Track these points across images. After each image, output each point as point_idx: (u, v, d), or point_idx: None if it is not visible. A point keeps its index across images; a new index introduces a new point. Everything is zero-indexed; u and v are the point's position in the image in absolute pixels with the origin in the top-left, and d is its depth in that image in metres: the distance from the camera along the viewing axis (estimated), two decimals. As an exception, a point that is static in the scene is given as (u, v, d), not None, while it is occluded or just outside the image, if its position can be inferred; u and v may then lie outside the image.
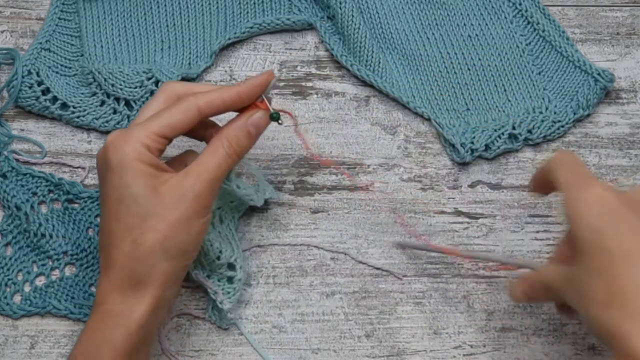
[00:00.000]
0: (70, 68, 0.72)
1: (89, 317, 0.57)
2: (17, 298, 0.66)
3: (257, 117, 0.60)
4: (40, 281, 0.66)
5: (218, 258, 0.63)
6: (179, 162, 0.62)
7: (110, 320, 0.56)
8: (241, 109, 0.61)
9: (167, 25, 0.74)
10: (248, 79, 0.61)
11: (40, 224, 0.66)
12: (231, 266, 0.64)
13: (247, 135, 0.60)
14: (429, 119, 0.71)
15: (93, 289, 0.66)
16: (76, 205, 0.68)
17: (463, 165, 0.70)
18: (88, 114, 0.70)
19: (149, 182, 0.56)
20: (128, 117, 0.70)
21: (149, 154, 0.56)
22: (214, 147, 0.59)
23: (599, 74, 0.72)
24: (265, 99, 0.61)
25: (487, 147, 0.70)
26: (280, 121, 0.61)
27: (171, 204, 0.56)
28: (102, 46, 0.73)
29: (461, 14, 0.74)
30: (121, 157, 0.56)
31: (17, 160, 0.69)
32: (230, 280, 0.64)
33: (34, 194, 0.68)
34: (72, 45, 0.73)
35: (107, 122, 0.70)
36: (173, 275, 0.57)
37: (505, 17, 0.74)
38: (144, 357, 0.58)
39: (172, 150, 0.65)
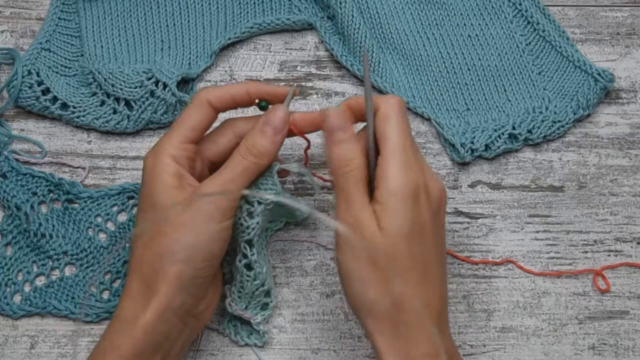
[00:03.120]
0: (70, 68, 0.72)
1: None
2: (17, 298, 0.66)
3: (270, 115, 0.59)
4: (40, 281, 0.66)
5: (263, 285, 0.62)
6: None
7: (118, 325, 0.56)
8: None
9: (167, 25, 0.74)
10: (261, 83, 0.61)
11: (40, 224, 0.66)
12: (267, 293, 0.63)
13: (262, 136, 0.58)
14: (429, 119, 0.71)
15: (93, 288, 0.66)
16: (76, 205, 0.68)
17: (463, 165, 0.70)
18: (88, 114, 0.70)
19: (170, 192, 0.56)
20: (128, 117, 0.70)
21: (174, 164, 0.57)
22: (234, 156, 0.58)
23: (599, 74, 0.72)
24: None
25: (487, 147, 0.70)
26: (260, 108, 0.60)
27: (180, 208, 0.56)
28: (102, 46, 0.73)
29: (461, 14, 0.74)
30: (150, 169, 0.57)
31: (17, 160, 0.69)
32: (265, 306, 0.64)
33: (34, 194, 0.68)
34: (72, 45, 0.73)
35: (107, 122, 0.70)
36: (180, 281, 0.56)
37: (505, 17, 0.74)
38: None
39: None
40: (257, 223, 0.59)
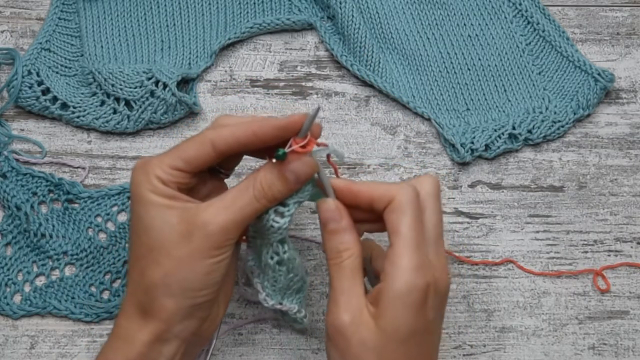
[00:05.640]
0: (70, 68, 0.72)
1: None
2: (17, 298, 0.66)
3: (298, 164, 0.53)
4: (40, 281, 0.66)
5: (297, 274, 0.59)
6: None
7: (114, 343, 0.55)
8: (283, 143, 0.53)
9: (167, 25, 0.74)
10: (270, 118, 0.54)
11: (40, 224, 0.66)
12: (302, 278, 0.60)
13: (284, 181, 0.53)
14: (429, 119, 0.71)
15: (93, 289, 0.66)
16: (76, 205, 0.68)
17: (463, 165, 0.70)
18: (88, 114, 0.70)
19: (160, 213, 0.53)
20: (128, 117, 0.70)
21: (162, 186, 0.53)
22: (244, 187, 0.54)
23: (599, 74, 0.72)
24: (310, 137, 0.53)
25: (487, 147, 0.70)
26: (277, 159, 0.53)
27: (178, 240, 0.53)
28: (102, 46, 0.73)
29: (461, 14, 0.74)
30: (136, 188, 0.54)
31: (17, 160, 0.69)
32: (299, 290, 0.60)
33: (34, 194, 0.68)
34: (72, 45, 0.73)
35: (107, 122, 0.70)
36: (178, 312, 0.54)
37: (505, 17, 0.74)
38: None
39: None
40: (289, 221, 0.56)
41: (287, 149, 0.53)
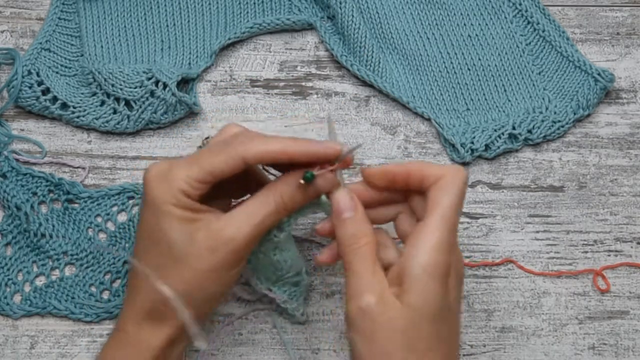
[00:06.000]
0: (70, 68, 0.72)
1: (108, 339, 0.57)
2: (17, 298, 0.66)
3: (322, 182, 0.55)
4: (40, 281, 0.66)
5: (288, 272, 0.60)
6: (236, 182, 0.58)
7: (125, 348, 0.55)
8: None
9: (167, 25, 0.74)
10: (311, 142, 0.55)
11: (40, 224, 0.66)
12: (297, 273, 0.62)
13: (305, 195, 0.55)
14: (429, 119, 0.71)
15: (93, 289, 0.66)
16: (76, 205, 0.68)
17: (463, 165, 0.70)
18: (88, 114, 0.70)
19: (184, 227, 0.53)
20: (128, 117, 0.70)
21: (186, 199, 0.54)
22: (265, 199, 0.55)
23: (599, 74, 0.72)
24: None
25: (487, 147, 0.70)
26: (305, 181, 0.54)
27: (203, 254, 0.53)
28: (102, 46, 0.73)
29: (461, 14, 0.74)
30: (158, 198, 0.54)
31: (17, 160, 0.69)
32: (296, 284, 0.62)
33: (34, 194, 0.68)
34: (72, 45, 0.73)
35: (107, 122, 0.70)
36: (195, 318, 0.54)
37: (505, 17, 0.74)
38: None
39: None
40: (288, 233, 0.58)
41: (316, 172, 0.54)
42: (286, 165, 0.56)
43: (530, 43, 0.74)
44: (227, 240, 0.53)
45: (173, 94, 0.69)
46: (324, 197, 0.56)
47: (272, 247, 0.58)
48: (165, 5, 0.74)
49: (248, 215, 0.54)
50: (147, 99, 0.69)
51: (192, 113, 0.71)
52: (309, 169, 0.55)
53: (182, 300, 0.53)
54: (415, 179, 0.55)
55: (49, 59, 0.72)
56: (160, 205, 0.54)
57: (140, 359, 0.54)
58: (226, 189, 0.58)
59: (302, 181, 0.54)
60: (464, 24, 0.74)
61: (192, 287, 0.54)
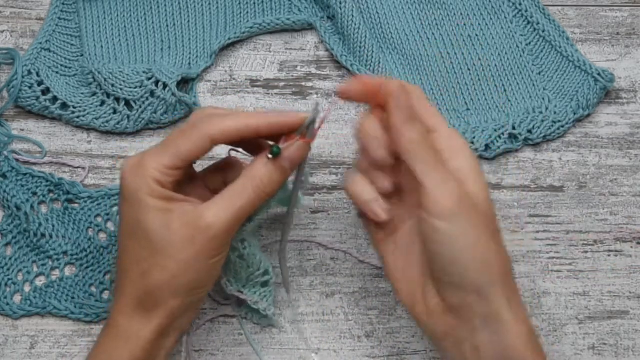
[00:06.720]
0: (70, 68, 0.72)
1: (100, 334, 0.57)
2: (17, 298, 0.66)
3: (293, 150, 0.54)
4: (40, 281, 0.66)
5: (258, 269, 0.61)
6: (213, 174, 0.59)
7: (116, 341, 0.55)
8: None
9: (167, 25, 0.74)
10: (274, 112, 0.55)
11: (40, 224, 0.66)
12: (265, 272, 0.62)
13: (281, 171, 0.54)
14: (429, 119, 0.71)
15: (93, 289, 0.66)
16: (76, 205, 0.68)
17: (463, 165, 0.70)
18: (88, 114, 0.70)
19: (160, 217, 0.53)
20: (128, 117, 0.70)
21: (160, 188, 0.53)
22: (241, 186, 0.54)
23: (599, 74, 0.72)
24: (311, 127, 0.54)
25: (487, 147, 0.70)
26: (273, 155, 0.54)
27: (182, 243, 0.53)
28: (102, 46, 0.73)
29: (461, 14, 0.74)
30: (133, 190, 0.54)
31: (17, 160, 0.69)
32: (264, 284, 0.62)
33: (34, 194, 0.68)
34: (72, 45, 0.73)
35: (107, 122, 0.70)
36: (182, 308, 0.55)
37: (505, 17, 0.74)
38: None
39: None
40: (255, 227, 0.59)
41: (281, 145, 0.54)
42: (259, 148, 0.56)
43: (530, 43, 0.74)
44: (204, 229, 0.53)
45: (173, 94, 0.69)
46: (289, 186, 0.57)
47: (239, 239, 0.58)
48: (165, 5, 0.74)
49: (225, 201, 0.54)
50: (147, 99, 0.69)
51: (192, 113, 0.71)
52: (293, 141, 0.54)
53: (166, 291, 0.54)
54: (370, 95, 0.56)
55: (49, 59, 0.72)
56: (135, 197, 0.54)
57: (131, 350, 0.54)
58: (212, 189, 0.59)
59: (270, 156, 0.54)
60: (464, 24, 0.74)
61: (175, 277, 0.54)
